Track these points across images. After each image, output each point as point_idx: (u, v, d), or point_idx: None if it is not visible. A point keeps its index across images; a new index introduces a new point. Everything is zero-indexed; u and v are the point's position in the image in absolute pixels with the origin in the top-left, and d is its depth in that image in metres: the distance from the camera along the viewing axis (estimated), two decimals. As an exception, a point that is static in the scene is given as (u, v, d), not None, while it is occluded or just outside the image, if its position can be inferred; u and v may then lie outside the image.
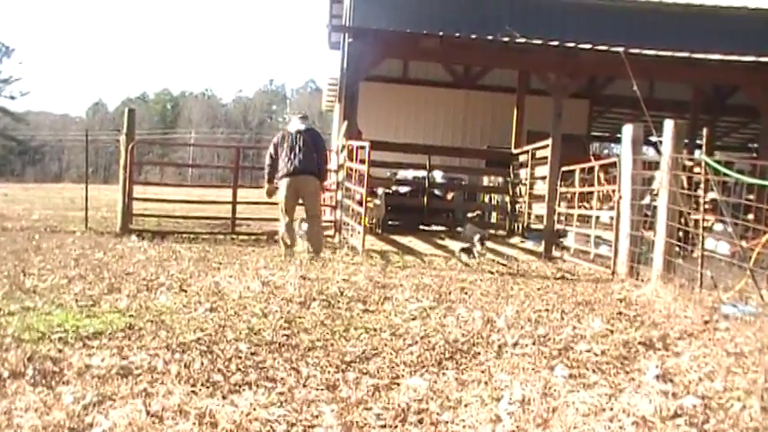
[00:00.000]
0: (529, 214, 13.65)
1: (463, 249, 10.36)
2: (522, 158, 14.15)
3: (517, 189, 14.38)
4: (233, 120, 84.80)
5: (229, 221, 12.76)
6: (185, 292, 6.19)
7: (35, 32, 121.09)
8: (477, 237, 10.51)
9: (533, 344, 4.61)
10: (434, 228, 14.04)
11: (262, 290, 6.27)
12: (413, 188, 14.74)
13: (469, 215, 15.29)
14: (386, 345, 4.59)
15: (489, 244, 11.99)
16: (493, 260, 10.24)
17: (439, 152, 15.08)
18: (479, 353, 4.45)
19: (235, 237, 12.17)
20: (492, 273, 8.57)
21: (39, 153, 70.38)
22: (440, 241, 12.12)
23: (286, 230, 9.47)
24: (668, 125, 7.44)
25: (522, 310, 5.74)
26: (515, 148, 15.27)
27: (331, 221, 12.66)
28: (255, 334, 4.74)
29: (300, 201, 9.49)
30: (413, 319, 5.37)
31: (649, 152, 19.61)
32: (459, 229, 13.79)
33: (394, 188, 14.74)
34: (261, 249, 10.42)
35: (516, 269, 9.38)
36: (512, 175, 14.50)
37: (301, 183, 9.23)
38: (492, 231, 14.19)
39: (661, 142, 7.51)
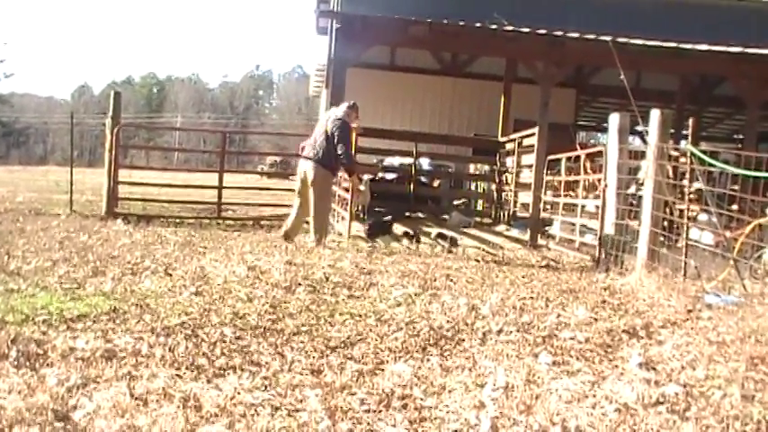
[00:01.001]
0: (515, 202, 13.68)
1: (368, 231, 10.25)
2: (508, 147, 14.17)
3: (503, 177, 14.40)
4: (219, 104, 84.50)
5: (215, 206, 12.74)
6: (170, 276, 6.16)
7: (20, 14, 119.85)
8: (441, 229, 10.49)
9: (518, 331, 4.62)
10: (420, 215, 14.05)
11: (247, 274, 6.25)
12: (399, 175, 14.73)
13: (455, 203, 15.31)
14: (371, 330, 4.60)
15: (474, 231, 12.05)
16: (478, 248, 10.27)
17: (426, 139, 15.06)
18: (464, 339, 4.46)
19: (220, 221, 12.15)
20: (477, 260, 8.58)
21: (23, 135, 69.90)
22: (426, 228, 12.13)
23: (292, 216, 9.42)
24: (655, 115, 7.46)
25: (506, 297, 5.75)
26: (502, 136, 15.29)
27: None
28: (240, 318, 4.73)
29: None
30: (398, 306, 5.37)
31: (635, 142, 19.67)
32: (444, 216, 13.81)
33: (380, 175, 14.74)
34: (246, 234, 10.41)
35: (502, 257, 9.40)
36: (498, 164, 14.51)
37: (307, 169, 9.13)
38: (478, 219, 14.23)
39: (647, 132, 7.53)
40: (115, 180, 12.15)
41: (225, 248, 8.24)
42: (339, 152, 8.94)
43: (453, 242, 10.23)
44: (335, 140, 8.98)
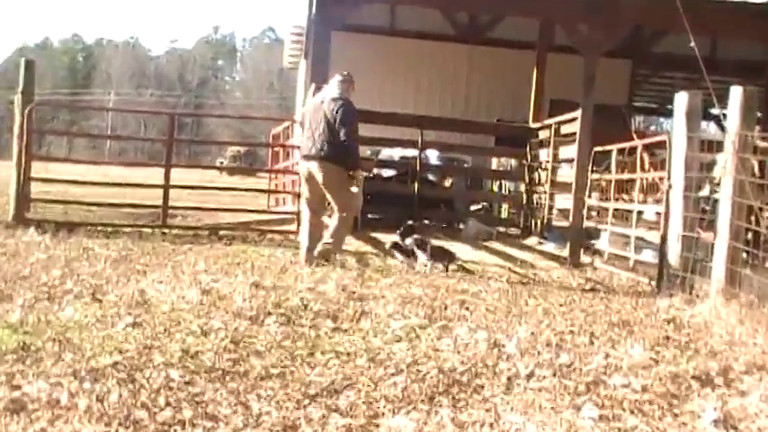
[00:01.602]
0: (550, 208, 13.67)
1: (397, 246, 10.14)
2: (542, 135, 14.16)
3: (535, 175, 14.40)
4: (166, 78, 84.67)
5: (160, 211, 12.71)
6: (100, 302, 6.15)
7: None
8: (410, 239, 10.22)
9: (553, 375, 4.62)
10: (426, 223, 14.02)
11: (201, 300, 6.26)
12: (400, 172, 14.71)
13: (473, 208, 15.31)
14: (362, 373, 4.59)
15: (498, 245, 12.04)
16: (502, 266, 10.26)
17: (434, 125, 15.05)
18: (483, 386, 4.45)
19: (167, 231, 12.11)
20: (501, 283, 8.58)
21: None
22: (435, 241, 12.12)
23: (307, 228, 9.59)
24: (736, 93, 7.45)
25: (539, 331, 5.75)
26: (534, 121, 15.30)
27: (292, 213, 12.65)
28: (192, 358, 4.72)
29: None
30: (397, 341, 5.37)
31: (710, 129, 19.75)
32: (460, 225, 13.81)
33: (375, 171, 14.73)
34: (201, 248, 10.40)
35: (533, 278, 9.39)
36: (529, 157, 14.51)
37: (317, 170, 9.33)
38: (502, 229, 14.22)
39: (725, 115, 7.53)
40: (26, 175, 12.10)
41: (172, 266, 8.24)
42: (341, 138, 9.07)
43: (445, 257, 9.95)
44: (337, 125, 9.19)
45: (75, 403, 3.84)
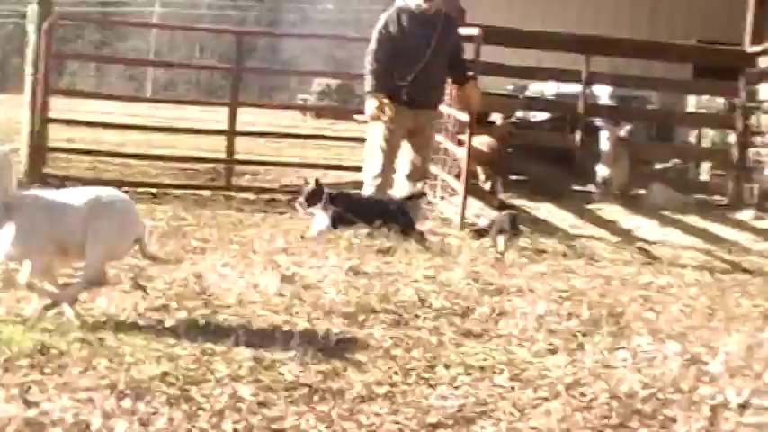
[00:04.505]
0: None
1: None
2: (764, 63, 13.90)
3: (753, 120, 14.15)
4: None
5: (222, 167, 12.84)
6: (143, 290, 6.13)
7: None
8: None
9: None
10: (594, 189, 13.91)
11: (279, 291, 6.33)
12: (555, 116, 14.60)
13: (659, 166, 15.12)
14: (502, 397, 4.61)
15: (695, 220, 11.90)
16: (702, 250, 10.14)
17: (605, 49, 14.88)
18: (675, 419, 4.42)
19: (232, 194, 12.23)
20: (700, 272, 8.48)
21: None
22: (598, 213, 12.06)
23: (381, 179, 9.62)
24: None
25: (757, 343, 5.68)
26: (753, 43, 15.00)
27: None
28: (266, 369, 4.78)
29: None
30: (552, 353, 5.40)
31: None
32: (639, 190, 13.67)
33: (520, 115, 14.66)
34: (278, 218, 10.49)
35: (749, 268, 9.25)
36: (744, 95, 14.26)
37: (420, 122, 9.49)
38: (702, 197, 14.03)
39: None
40: (43, 116, 12.22)
41: (240, 243, 8.39)
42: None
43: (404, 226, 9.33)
44: (456, 60, 9.51)
45: (110, 427, 3.91)
